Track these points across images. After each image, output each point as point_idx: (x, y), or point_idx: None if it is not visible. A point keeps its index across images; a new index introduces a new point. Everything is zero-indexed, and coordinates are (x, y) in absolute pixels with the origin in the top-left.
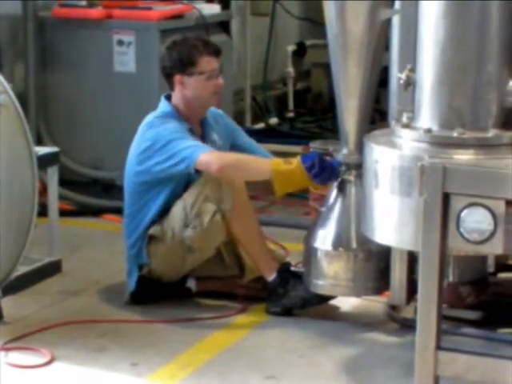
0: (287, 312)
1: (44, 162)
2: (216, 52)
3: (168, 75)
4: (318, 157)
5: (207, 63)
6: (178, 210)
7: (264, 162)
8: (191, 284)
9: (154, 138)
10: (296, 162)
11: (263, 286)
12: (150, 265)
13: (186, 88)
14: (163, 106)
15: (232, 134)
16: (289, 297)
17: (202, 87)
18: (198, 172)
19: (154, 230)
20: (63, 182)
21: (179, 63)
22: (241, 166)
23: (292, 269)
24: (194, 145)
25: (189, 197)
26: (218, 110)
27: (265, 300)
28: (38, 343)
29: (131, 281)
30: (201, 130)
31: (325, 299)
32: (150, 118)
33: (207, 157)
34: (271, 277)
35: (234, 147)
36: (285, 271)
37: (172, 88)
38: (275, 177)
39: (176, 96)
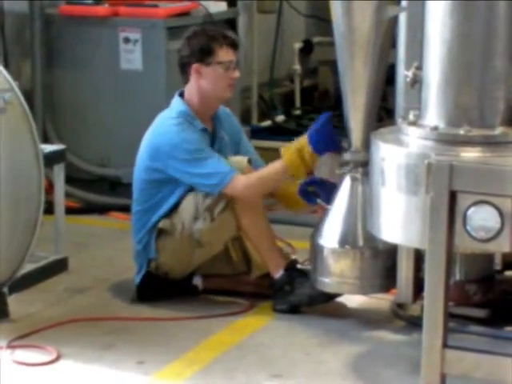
0: (293, 310)
1: (50, 159)
2: (234, 44)
3: (185, 64)
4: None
5: (225, 54)
6: (188, 203)
7: (280, 170)
8: (198, 281)
9: (172, 144)
10: (309, 155)
11: (270, 283)
12: (157, 259)
13: (203, 78)
14: (177, 104)
15: (237, 134)
16: (295, 294)
17: (218, 78)
18: None
19: (163, 224)
20: (69, 180)
21: (198, 52)
22: (264, 185)
23: (299, 266)
24: (221, 170)
25: (200, 191)
26: (225, 108)
27: (271, 298)
28: (44, 341)
29: (138, 276)
30: (211, 127)
31: (331, 297)
32: (165, 116)
33: (234, 187)
34: (278, 274)
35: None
36: (292, 269)
37: (187, 79)
38: (293, 171)
39: (190, 88)
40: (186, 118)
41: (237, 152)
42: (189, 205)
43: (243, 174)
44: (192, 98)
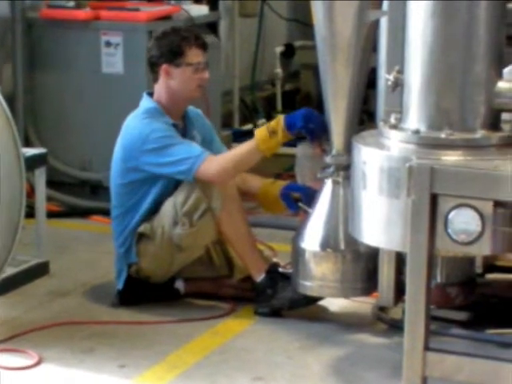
0: (275, 313)
1: (32, 163)
2: (204, 45)
3: (154, 65)
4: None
5: (195, 55)
6: (168, 207)
7: (252, 148)
8: (180, 285)
9: (143, 138)
10: (281, 132)
11: (252, 286)
12: (138, 264)
13: (172, 79)
14: (146, 102)
15: (209, 134)
16: (277, 298)
17: (187, 79)
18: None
19: (143, 228)
20: (51, 184)
21: (168, 53)
22: (237, 165)
23: (280, 270)
24: (191, 155)
25: (179, 194)
26: (196, 109)
27: (253, 301)
28: (25, 345)
29: (120, 280)
30: (182, 125)
31: (313, 300)
32: (133, 115)
33: (207, 173)
34: (260, 277)
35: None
36: (273, 272)
37: (156, 79)
38: (265, 153)
39: (159, 88)
40: (154, 114)
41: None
42: (168, 209)
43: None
44: (161, 97)
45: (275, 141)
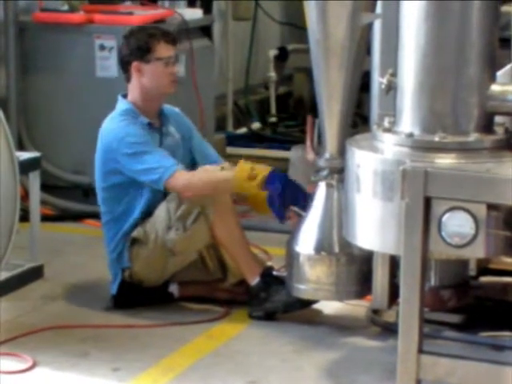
0: (269, 316)
1: (25, 167)
2: (172, 40)
3: (125, 63)
4: (284, 188)
5: (164, 50)
6: (161, 212)
7: (227, 179)
8: (173, 289)
9: (118, 140)
10: (259, 182)
11: (246, 289)
12: (131, 268)
13: (144, 75)
14: (121, 104)
15: (189, 132)
16: (271, 301)
17: (159, 74)
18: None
19: (137, 233)
20: (44, 187)
21: (137, 50)
22: (205, 187)
23: (274, 273)
24: (162, 165)
25: (172, 199)
26: (174, 108)
27: (247, 304)
28: (19, 348)
29: (114, 285)
30: (159, 123)
31: (307, 304)
32: (110, 118)
33: (174, 183)
34: (254, 281)
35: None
36: (267, 275)
37: (129, 79)
38: (237, 192)
39: (133, 87)
40: (130, 115)
41: (190, 149)
42: (161, 214)
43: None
44: (135, 96)
45: (249, 185)
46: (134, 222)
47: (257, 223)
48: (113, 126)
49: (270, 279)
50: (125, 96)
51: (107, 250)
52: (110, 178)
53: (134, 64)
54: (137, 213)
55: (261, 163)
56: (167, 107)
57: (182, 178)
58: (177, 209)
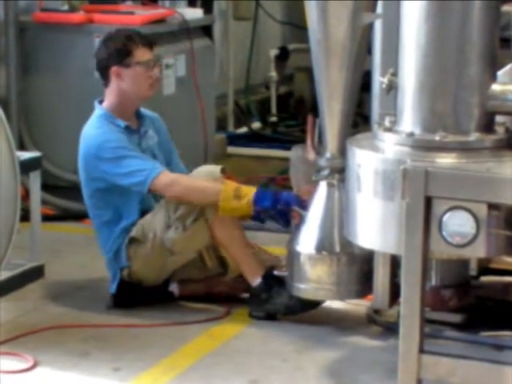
0: (270, 317)
1: (26, 166)
2: (151, 43)
3: (104, 68)
4: (273, 205)
5: (143, 54)
6: (160, 211)
7: (212, 192)
8: (174, 288)
9: (96, 146)
10: (246, 201)
11: (246, 286)
12: (130, 267)
13: (123, 80)
14: (97, 110)
15: (166, 138)
16: (272, 303)
17: (140, 78)
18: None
19: (135, 232)
20: (45, 187)
21: (116, 54)
22: (190, 194)
23: (275, 273)
24: (145, 167)
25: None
26: (153, 113)
27: (247, 303)
28: (20, 348)
29: (113, 284)
30: (136, 124)
31: (308, 307)
32: (88, 125)
33: (159, 184)
34: (255, 282)
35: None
36: (269, 277)
37: (106, 83)
38: (221, 209)
39: (110, 91)
40: (106, 120)
41: (167, 152)
42: (160, 213)
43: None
44: (112, 100)
45: (234, 205)
46: (130, 222)
47: (257, 223)
48: (91, 132)
49: (271, 281)
50: (101, 102)
51: (103, 250)
52: (93, 184)
53: (114, 69)
54: (134, 216)
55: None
56: (145, 111)
57: (166, 178)
58: (176, 208)
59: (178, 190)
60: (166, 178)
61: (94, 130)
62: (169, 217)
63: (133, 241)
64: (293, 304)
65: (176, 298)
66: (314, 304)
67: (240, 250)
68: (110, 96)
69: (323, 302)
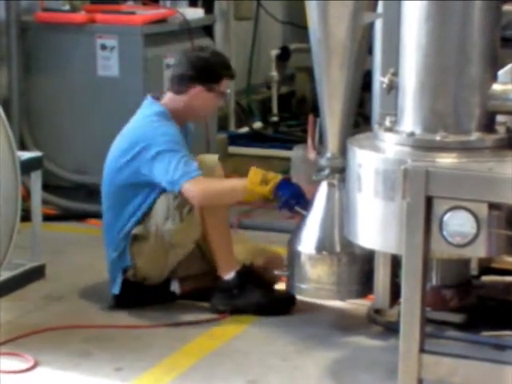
0: (235, 312)
1: (27, 166)
2: (233, 76)
3: (186, 80)
4: (294, 193)
5: (226, 85)
6: (160, 204)
7: (240, 186)
8: (175, 287)
9: (149, 138)
10: (270, 187)
11: (217, 281)
12: (134, 265)
13: (199, 100)
14: (155, 106)
15: (190, 145)
16: (243, 299)
17: (212, 104)
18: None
19: (137, 230)
20: (46, 187)
21: (205, 76)
22: (219, 196)
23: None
24: (186, 169)
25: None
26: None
27: (212, 296)
28: (21, 348)
29: (115, 285)
30: (183, 133)
31: (281, 310)
32: (142, 116)
33: (191, 190)
34: (228, 275)
35: None
36: (244, 273)
37: (178, 91)
38: (247, 196)
39: (179, 100)
40: (165, 117)
41: None
42: (161, 206)
43: (213, 173)
44: (176, 107)
45: (261, 190)
46: (136, 221)
47: (259, 223)
48: (145, 124)
49: (246, 278)
50: (154, 97)
51: (108, 250)
52: (127, 177)
53: (197, 88)
54: (139, 214)
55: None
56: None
57: (198, 186)
58: (175, 198)
59: (205, 202)
60: (198, 185)
61: (149, 123)
62: (168, 208)
63: (136, 238)
64: (264, 303)
65: (178, 297)
66: (287, 307)
67: (221, 239)
68: (175, 102)
69: (293, 304)
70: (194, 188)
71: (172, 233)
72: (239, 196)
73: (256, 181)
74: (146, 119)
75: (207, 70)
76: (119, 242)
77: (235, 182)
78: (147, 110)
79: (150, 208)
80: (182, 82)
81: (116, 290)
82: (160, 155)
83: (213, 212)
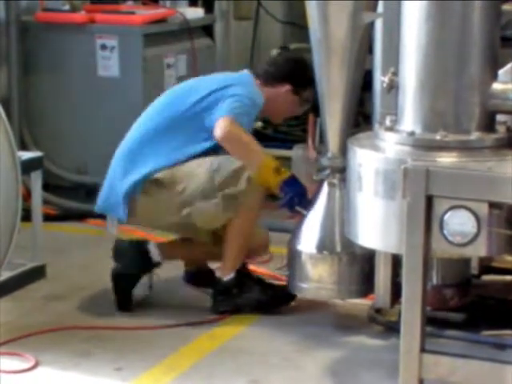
0: (237, 311)
1: (27, 166)
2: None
3: (279, 77)
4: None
5: (311, 94)
6: (204, 175)
7: (257, 159)
8: (154, 254)
9: (240, 95)
10: (280, 179)
11: (215, 282)
12: (137, 200)
13: (282, 99)
14: (254, 82)
15: None
16: (243, 297)
17: (292, 108)
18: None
19: (163, 175)
20: (47, 187)
21: (298, 81)
22: (238, 147)
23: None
24: (234, 110)
25: (220, 171)
26: None
27: (213, 296)
28: (22, 348)
29: (120, 211)
30: None
31: (280, 303)
32: (245, 82)
33: (222, 122)
34: (228, 276)
35: None
36: (243, 273)
37: (268, 83)
38: (259, 174)
39: (266, 92)
40: (257, 96)
41: None
42: (204, 177)
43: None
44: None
45: (272, 177)
46: (174, 160)
47: (259, 222)
48: (244, 82)
49: (244, 277)
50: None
51: (127, 175)
52: (194, 111)
53: (287, 87)
54: (182, 155)
55: None
56: None
57: (233, 125)
58: (221, 183)
59: (231, 132)
60: (230, 123)
61: (248, 84)
62: (210, 188)
63: (155, 182)
64: (265, 300)
65: (159, 264)
66: (287, 302)
67: (236, 244)
68: (260, 91)
69: (293, 299)
70: (225, 123)
71: (199, 214)
72: (253, 162)
73: (271, 166)
74: (243, 82)
75: (302, 73)
76: (139, 178)
77: (259, 150)
78: (249, 79)
79: (193, 157)
80: (273, 76)
81: (123, 215)
82: (229, 99)
83: (243, 220)
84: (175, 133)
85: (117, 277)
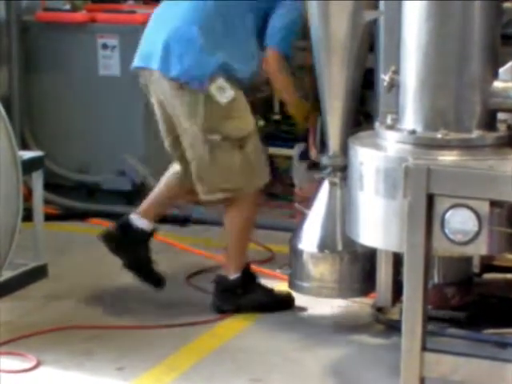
0: (239, 311)
1: (29, 166)
2: None
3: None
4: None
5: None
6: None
7: (291, 96)
8: (142, 224)
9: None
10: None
11: (218, 281)
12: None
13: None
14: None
15: None
16: (246, 298)
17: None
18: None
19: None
20: (48, 187)
21: None
22: (280, 77)
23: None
24: (285, 44)
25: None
26: None
27: (216, 297)
28: (23, 348)
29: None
30: None
31: (282, 307)
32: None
33: (271, 58)
34: (233, 275)
35: None
36: (247, 273)
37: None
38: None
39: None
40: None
41: None
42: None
43: None
44: None
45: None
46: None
47: (260, 221)
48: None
49: (248, 277)
50: None
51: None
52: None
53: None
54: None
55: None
56: None
57: (280, 63)
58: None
59: (276, 66)
60: (276, 59)
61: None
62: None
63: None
64: (266, 302)
65: (151, 234)
66: (289, 305)
67: (238, 240)
68: None
69: (293, 304)
70: (273, 60)
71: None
72: (287, 94)
73: (301, 112)
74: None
75: None
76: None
77: (294, 93)
78: None
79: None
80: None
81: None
82: (287, 16)
83: (240, 211)
84: (233, 20)
85: (131, 267)
